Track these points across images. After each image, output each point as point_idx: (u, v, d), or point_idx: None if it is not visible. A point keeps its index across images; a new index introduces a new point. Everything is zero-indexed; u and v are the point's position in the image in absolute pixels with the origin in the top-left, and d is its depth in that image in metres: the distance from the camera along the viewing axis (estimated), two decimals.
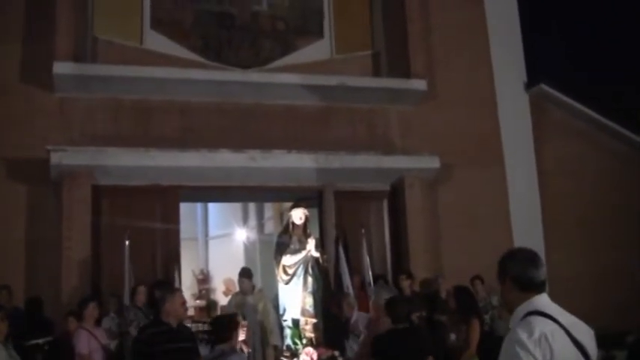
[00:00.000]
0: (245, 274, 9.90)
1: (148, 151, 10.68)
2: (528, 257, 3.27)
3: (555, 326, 3.04)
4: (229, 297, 10.66)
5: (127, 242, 10.18)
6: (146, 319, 8.85)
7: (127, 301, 9.63)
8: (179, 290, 6.98)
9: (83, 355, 8.17)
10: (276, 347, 9.25)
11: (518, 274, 3.22)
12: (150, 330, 6.32)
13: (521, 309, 3.17)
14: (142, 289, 9.29)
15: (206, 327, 11.41)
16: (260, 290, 10.05)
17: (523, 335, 3.00)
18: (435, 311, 9.18)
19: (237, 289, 10.27)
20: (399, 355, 6.30)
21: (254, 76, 11.98)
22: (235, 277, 10.53)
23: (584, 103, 13.85)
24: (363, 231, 11.56)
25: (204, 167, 10.88)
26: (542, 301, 3.18)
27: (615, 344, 9.16)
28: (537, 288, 3.20)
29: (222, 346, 6.41)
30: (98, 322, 8.84)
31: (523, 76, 13.72)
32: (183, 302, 6.75)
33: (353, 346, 8.34)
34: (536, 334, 2.99)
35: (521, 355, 2.95)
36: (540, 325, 3.03)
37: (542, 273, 3.23)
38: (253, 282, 10.05)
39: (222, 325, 6.79)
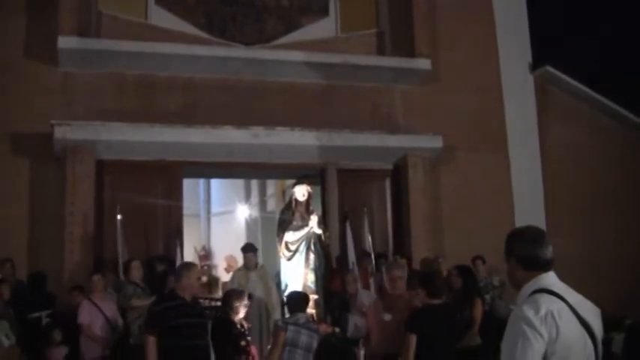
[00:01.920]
0: (250, 249, 9.93)
1: (152, 127, 10.65)
2: (535, 236, 3.26)
3: (562, 304, 3.03)
4: (231, 273, 10.69)
5: (118, 217, 10.18)
6: (145, 293, 8.89)
7: (121, 276, 9.61)
8: (195, 266, 7.08)
9: (83, 324, 8.22)
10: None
11: (524, 252, 3.21)
12: (165, 303, 6.40)
13: (528, 287, 3.15)
14: (136, 264, 9.22)
15: (208, 303, 11.46)
16: (262, 266, 10.07)
17: (529, 312, 2.99)
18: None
19: (239, 265, 10.29)
20: (437, 331, 6.29)
21: (258, 53, 11.94)
22: (237, 254, 10.55)
23: (589, 85, 13.77)
24: (365, 209, 11.57)
25: (207, 143, 10.86)
26: (549, 279, 3.17)
27: (614, 327, 9.21)
28: (543, 267, 3.18)
29: None
30: None
31: (528, 58, 13.63)
32: (199, 277, 6.87)
33: (357, 323, 8.39)
34: (543, 312, 2.98)
35: (527, 332, 2.94)
36: (547, 302, 3.02)
37: (549, 252, 3.21)
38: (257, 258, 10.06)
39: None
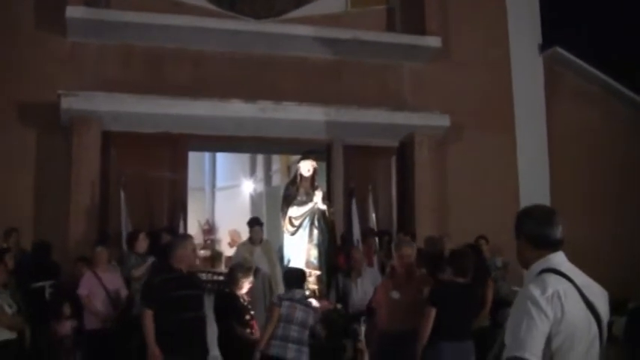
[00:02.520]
0: (257, 223, 9.95)
1: (159, 99, 10.63)
2: (544, 215, 3.25)
3: (569, 285, 3.03)
4: (236, 247, 10.72)
5: (121, 190, 10.25)
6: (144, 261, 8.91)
7: (124, 247, 9.62)
8: (190, 237, 7.04)
9: (81, 295, 8.22)
10: None
11: (533, 231, 3.20)
12: (162, 276, 6.40)
13: (536, 266, 3.14)
14: (142, 236, 9.19)
15: (210, 276, 11.49)
16: (267, 241, 10.10)
17: (536, 292, 2.98)
18: (438, 271, 9.22)
19: (242, 240, 10.32)
20: (458, 308, 6.34)
21: (267, 26, 11.87)
22: (241, 229, 10.56)
23: (599, 68, 13.67)
24: (370, 187, 11.61)
25: (214, 117, 10.87)
26: (558, 259, 3.15)
27: (617, 310, 9.21)
28: (552, 246, 3.17)
29: None
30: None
31: (538, 38, 13.54)
32: (194, 249, 6.83)
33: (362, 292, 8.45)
34: (549, 292, 2.97)
35: (532, 312, 2.93)
36: (554, 282, 3.02)
37: (559, 231, 3.20)
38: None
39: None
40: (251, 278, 7.65)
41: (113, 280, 8.52)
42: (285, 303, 7.06)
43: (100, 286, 8.32)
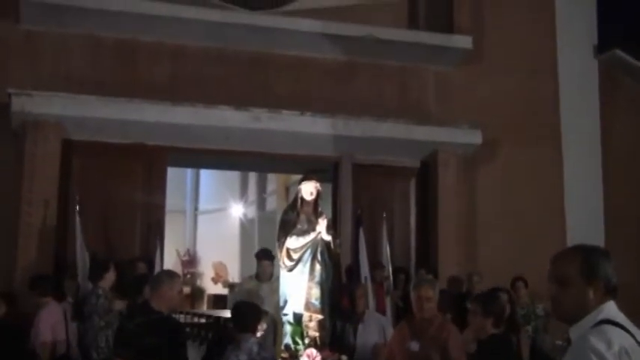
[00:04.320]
0: (267, 256, 9.83)
1: (132, 102, 10.55)
2: (609, 257, 3.25)
3: (632, 341, 3.02)
4: (239, 282, 10.55)
5: (77, 209, 10.15)
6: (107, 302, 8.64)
7: (83, 282, 9.44)
8: (179, 277, 6.94)
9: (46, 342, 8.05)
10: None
11: (610, 275, 3.19)
12: (139, 318, 6.24)
13: (593, 315, 3.12)
14: (113, 267, 8.93)
15: (190, 319, 11.27)
16: (277, 279, 9.92)
17: (600, 345, 2.94)
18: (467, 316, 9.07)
19: (230, 275, 10.17)
20: None
21: (264, 19, 11.80)
22: (228, 261, 10.40)
23: None
24: (384, 214, 11.51)
25: (198, 126, 10.78)
26: (614, 308, 3.17)
27: None
28: (615, 293, 3.20)
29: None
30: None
31: (593, 39, 13.54)
32: (181, 291, 6.71)
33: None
34: (616, 347, 2.94)
35: None
36: (618, 337, 2.99)
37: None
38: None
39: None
40: (264, 325, 7.48)
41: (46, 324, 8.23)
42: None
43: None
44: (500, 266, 10.90)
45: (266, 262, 9.74)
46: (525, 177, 12.40)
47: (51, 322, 8.15)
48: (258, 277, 9.74)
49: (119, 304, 8.51)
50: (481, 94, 12.47)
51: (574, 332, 3.17)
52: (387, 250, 11.16)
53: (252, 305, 7.76)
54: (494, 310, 6.49)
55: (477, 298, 6.88)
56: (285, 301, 9.46)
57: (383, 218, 11.43)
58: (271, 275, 9.78)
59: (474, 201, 12.29)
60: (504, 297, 7.87)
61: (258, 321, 7.21)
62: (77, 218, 10.10)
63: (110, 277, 8.86)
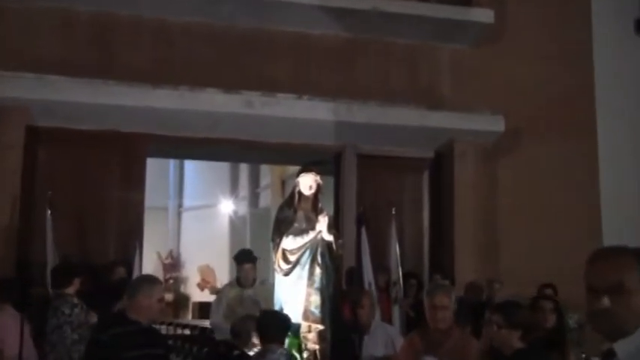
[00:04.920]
0: (247, 258, 9.86)
1: (107, 85, 10.58)
2: None
3: None
4: (222, 288, 10.59)
5: (48, 211, 10.16)
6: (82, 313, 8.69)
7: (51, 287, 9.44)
8: (160, 283, 6.90)
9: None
10: None
11: None
12: (114, 329, 6.26)
13: None
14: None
15: (173, 330, 11.35)
16: (263, 282, 9.98)
17: None
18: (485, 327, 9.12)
19: (216, 280, 10.21)
20: None
21: None
22: (217, 265, 10.46)
23: None
24: (393, 211, 11.51)
25: (182, 111, 10.83)
26: None
27: None
28: None
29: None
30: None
31: (635, 11, 13.44)
32: (162, 299, 6.74)
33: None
34: None
35: None
36: None
37: None
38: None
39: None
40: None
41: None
42: None
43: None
44: (524, 271, 10.90)
45: (247, 266, 9.73)
46: (554, 172, 12.33)
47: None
48: (239, 282, 9.75)
49: (92, 316, 8.51)
50: (503, 77, 12.41)
51: (622, 347, 3.06)
52: (396, 252, 11.14)
53: (274, 314, 7.92)
54: (521, 321, 6.50)
55: (498, 307, 6.89)
56: (281, 309, 9.55)
57: (392, 216, 11.41)
58: (254, 280, 9.80)
59: (495, 197, 12.24)
60: (549, 305, 7.93)
61: (284, 330, 7.40)
62: (48, 216, 10.13)
63: (77, 283, 8.91)
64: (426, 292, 7.32)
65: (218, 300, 9.91)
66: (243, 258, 9.87)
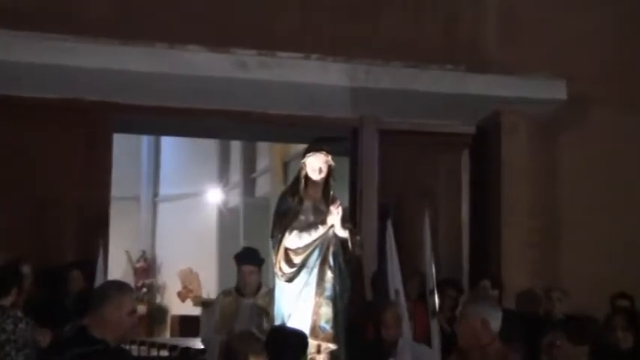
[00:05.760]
0: (250, 258, 9.84)
1: (65, 41, 10.54)
2: None
3: None
4: (216, 298, 10.60)
5: None
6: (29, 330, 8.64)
7: None
8: (130, 290, 6.86)
9: None
10: None
11: None
12: (73, 351, 6.21)
13: None
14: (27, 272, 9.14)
15: (147, 350, 11.35)
16: (269, 292, 9.91)
17: None
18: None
19: (203, 288, 10.19)
20: None
21: None
22: (201, 268, 10.43)
23: None
24: (425, 201, 11.64)
25: (157, 74, 10.81)
26: None
27: None
28: None
29: None
30: None
31: None
32: (134, 310, 6.67)
33: None
34: None
35: None
36: None
37: None
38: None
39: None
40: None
41: None
42: None
43: None
44: (592, 278, 10.99)
45: (248, 268, 9.72)
46: (631, 152, 12.31)
47: None
48: (238, 290, 9.77)
49: (44, 333, 8.43)
50: (565, 31, 12.37)
51: None
52: (429, 253, 11.04)
53: (289, 331, 7.89)
54: (590, 342, 6.46)
55: (562, 324, 6.86)
56: (284, 322, 9.50)
57: (424, 207, 11.31)
58: (258, 288, 9.80)
59: (554, 183, 12.28)
60: (624, 322, 7.95)
61: (300, 352, 7.47)
62: None
63: (14, 293, 8.82)
64: (462, 305, 7.30)
65: (212, 309, 9.89)
66: (243, 258, 9.87)
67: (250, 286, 9.66)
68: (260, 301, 9.69)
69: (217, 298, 10.18)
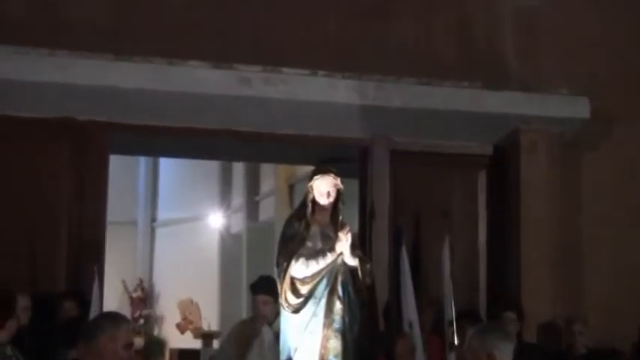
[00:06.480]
0: (264, 288, 9.77)
1: (55, 56, 10.54)
2: None
3: None
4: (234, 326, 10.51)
5: None
6: None
7: None
8: (127, 322, 6.75)
9: None
10: None
11: None
12: None
13: None
14: (24, 305, 9.00)
15: None
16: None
17: None
18: None
19: (203, 319, 10.13)
20: None
21: None
22: (201, 298, 10.34)
23: None
24: (443, 224, 11.62)
25: (156, 92, 10.77)
26: None
27: None
28: None
29: None
30: None
31: None
32: (131, 343, 6.57)
33: None
34: None
35: None
36: None
37: None
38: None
39: None
40: None
41: None
42: None
43: None
44: (619, 305, 10.99)
45: (262, 299, 9.65)
46: None
47: None
48: (255, 319, 9.73)
49: None
50: (587, 45, 12.35)
51: None
52: (448, 280, 11.06)
53: None
54: None
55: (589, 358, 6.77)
56: (289, 357, 9.42)
57: (444, 232, 11.33)
58: (275, 317, 9.72)
59: (577, 205, 12.20)
60: None
61: None
62: None
63: (12, 326, 8.72)
64: (469, 336, 7.16)
65: (227, 337, 10.05)
66: (257, 287, 9.82)
67: (265, 317, 9.62)
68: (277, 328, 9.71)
69: (235, 328, 10.13)
